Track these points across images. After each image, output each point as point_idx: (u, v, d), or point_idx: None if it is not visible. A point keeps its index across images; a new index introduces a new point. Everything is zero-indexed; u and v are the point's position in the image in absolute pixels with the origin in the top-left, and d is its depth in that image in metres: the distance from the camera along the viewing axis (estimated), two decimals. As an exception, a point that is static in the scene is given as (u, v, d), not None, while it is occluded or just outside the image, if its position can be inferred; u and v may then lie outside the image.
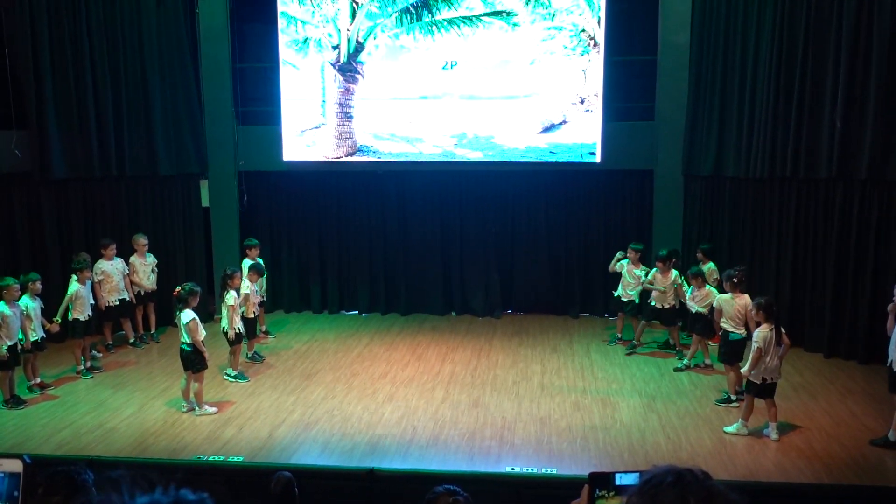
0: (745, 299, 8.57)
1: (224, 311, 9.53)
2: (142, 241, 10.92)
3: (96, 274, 10.28)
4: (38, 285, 9.22)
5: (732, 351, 8.70)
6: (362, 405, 8.81)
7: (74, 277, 9.79)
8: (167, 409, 8.76)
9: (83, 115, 10.97)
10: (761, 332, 7.70)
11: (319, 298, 12.83)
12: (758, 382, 7.76)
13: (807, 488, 6.72)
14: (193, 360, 8.53)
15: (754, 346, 7.76)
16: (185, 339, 8.53)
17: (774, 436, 7.78)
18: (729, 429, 7.96)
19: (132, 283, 10.79)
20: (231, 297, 9.47)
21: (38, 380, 9.36)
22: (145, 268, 10.97)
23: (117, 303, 10.58)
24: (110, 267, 10.50)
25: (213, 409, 8.61)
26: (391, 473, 6.63)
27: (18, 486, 2.61)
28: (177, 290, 8.76)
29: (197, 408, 8.57)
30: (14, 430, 8.21)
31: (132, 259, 10.85)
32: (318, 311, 12.78)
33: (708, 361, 9.88)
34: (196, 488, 1.60)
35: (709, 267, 10.26)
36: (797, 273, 10.58)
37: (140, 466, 6.87)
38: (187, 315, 8.49)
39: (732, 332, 8.67)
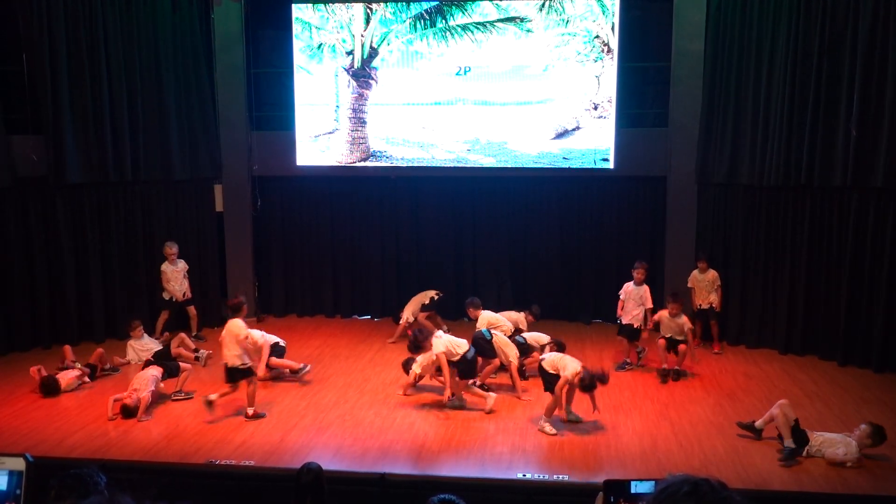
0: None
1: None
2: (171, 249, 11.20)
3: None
4: None
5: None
6: (374, 410, 8.81)
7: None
8: (179, 412, 8.78)
9: (98, 119, 11.03)
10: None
11: (332, 303, 12.85)
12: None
13: (822, 497, 6.67)
14: (243, 373, 8.58)
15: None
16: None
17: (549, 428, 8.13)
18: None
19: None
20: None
21: None
22: (177, 274, 11.19)
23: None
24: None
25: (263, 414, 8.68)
26: (402, 479, 6.63)
27: (21, 484, 2.61)
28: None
29: (250, 410, 8.60)
30: (28, 433, 8.25)
31: (163, 267, 11.13)
32: (331, 315, 12.80)
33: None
34: (175, 498, 1.60)
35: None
36: (812, 281, 10.50)
37: (143, 471, 6.90)
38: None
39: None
